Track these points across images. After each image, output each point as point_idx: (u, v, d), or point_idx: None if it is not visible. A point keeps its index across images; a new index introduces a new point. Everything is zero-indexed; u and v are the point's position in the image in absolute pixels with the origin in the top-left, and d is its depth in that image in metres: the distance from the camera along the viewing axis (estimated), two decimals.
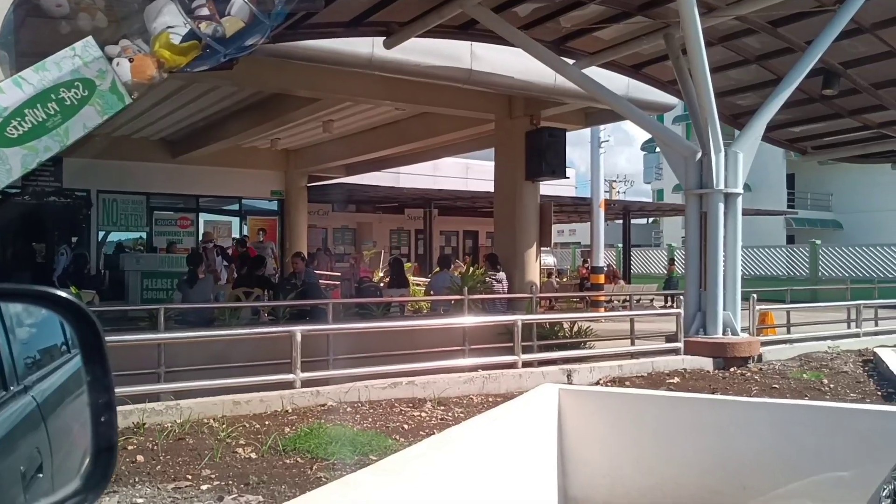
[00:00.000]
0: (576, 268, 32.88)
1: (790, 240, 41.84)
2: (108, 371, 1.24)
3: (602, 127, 21.82)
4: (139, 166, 17.89)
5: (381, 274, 15.25)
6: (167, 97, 13.69)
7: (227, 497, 3.08)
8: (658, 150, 52.18)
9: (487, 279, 12.48)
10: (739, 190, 7.76)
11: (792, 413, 4.69)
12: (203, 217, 20.09)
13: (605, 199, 22.84)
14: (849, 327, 11.06)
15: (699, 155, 7.61)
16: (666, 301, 24.83)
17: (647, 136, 51.77)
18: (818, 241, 32.94)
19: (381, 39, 9.55)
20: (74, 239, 17.75)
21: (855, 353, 7.80)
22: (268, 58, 9.84)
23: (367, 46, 9.75)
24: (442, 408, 5.12)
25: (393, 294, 11.98)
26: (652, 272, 34.18)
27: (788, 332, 12.01)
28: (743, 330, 7.86)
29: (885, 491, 2.68)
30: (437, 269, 12.46)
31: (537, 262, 13.08)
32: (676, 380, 6.36)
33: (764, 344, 7.81)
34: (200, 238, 16.30)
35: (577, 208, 25.26)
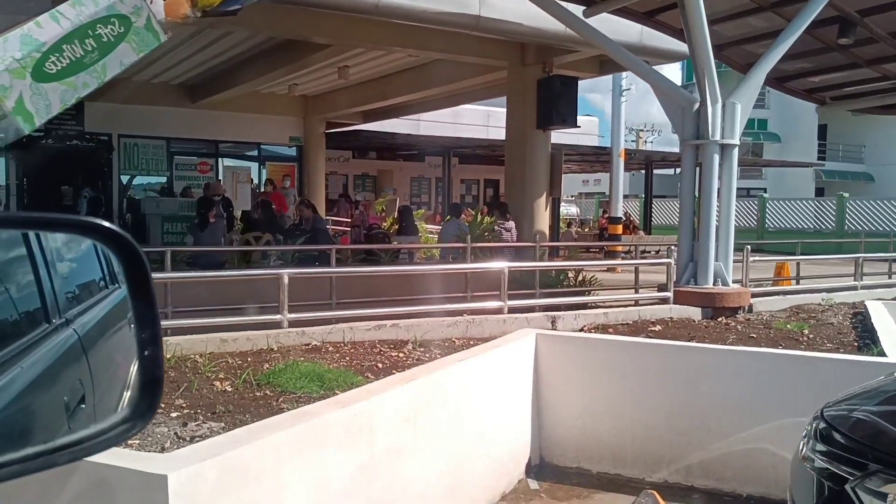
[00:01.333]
0: (597, 218, 32.76)
1: (819, 192, 41.20)
2: (153, 304, 1.23)
3: (624, 75, 21.54)
4: (159, 111, 18.08)
5: (391, 221, 15.39)
6: (184, 41, 13.77)
7: (191, 423, 3.28)
8: None
9: (497, 227, 12.59)
10: (736, 141, 7.73)
11: (755, 360, 4.82)
12: (223, 162, 20.31)
13: (626, 149, 22.62)
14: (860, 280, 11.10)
15: (697, 105, 7.59)
16: None
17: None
18: (845, 194, 32.38)
19: None
20: (99, 183, 18.11)
21: (849, 305, 7.83)
22: (280, 4, 9.92)
23: None
24: (422, 349, 5.30)
25: (402, 241, 12.14)
26: (675, 223, 33.94)
27: (798, 283, 12.03)
28: (736, 281, 7.91)
29: (805, 433, 2.80)
30: (448, 217, 12.57)
31: (547, 212, 13.13)
32: (658, 328, 6.47)
33: (757, 295, 7.87)
34: (203, 188, 16.51)
35: (599, 158, 25.07)
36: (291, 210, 14.76)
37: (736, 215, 31.89)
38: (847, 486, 2.46)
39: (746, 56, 12.34)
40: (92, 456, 1.11)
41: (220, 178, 19.45)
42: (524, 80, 12.88)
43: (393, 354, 5.03)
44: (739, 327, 6.59)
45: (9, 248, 1.16)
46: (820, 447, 2.64)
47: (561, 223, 26.73)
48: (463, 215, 13.16)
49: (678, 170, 42.62)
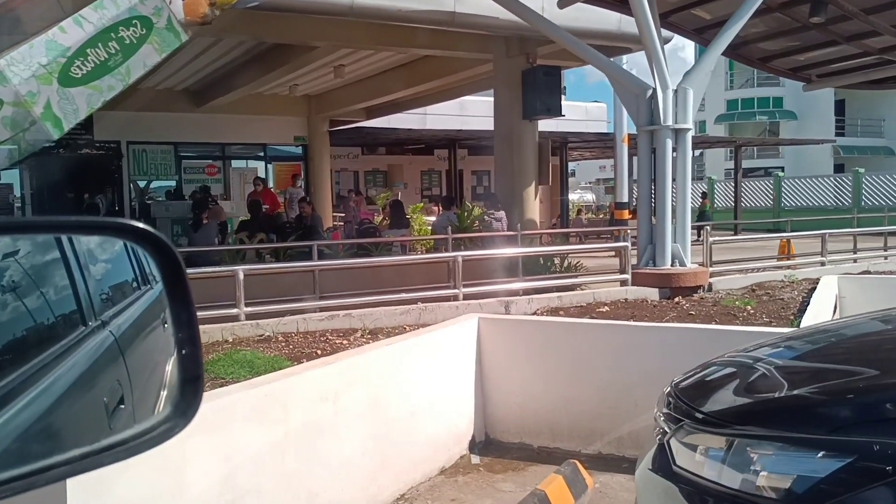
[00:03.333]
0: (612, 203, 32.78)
1: (839, 168, 40.74)
2: (189, 304, 1.23)
3: (625, 59, 21.59)
4: (166, 117, 18.56)
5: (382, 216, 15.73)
6: (180, 47, 14.19)
7: None
8: None
9: (487, 217, 12.87)
10: (689, 126, 7.92)
11: (678, 335, 5.09)
12: (231, 164, 20.80)
13: (629, 134, 22.67)
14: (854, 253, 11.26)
15: (650, 92, 7.78)
16: (699, 234, 24.88)
17: (688, 67, 50.45)
18: (861, 170, 32.04)
19: None
20: (110, 189, 18.67)
21: (812, 281, 7.99)
22: (259, 11, 10.25)
23: None
24: (369, 337, 5.61)
25: (393, 235, 12.46)
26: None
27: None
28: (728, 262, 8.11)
29: (658, 412, 3.03)
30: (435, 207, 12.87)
31: (537, 200, 13.35)
32: (606, 309, 6.71)
33: (718, 274, 8.05)
34: (198, 190, 16.98)
35: (607, 144, 25.11)
36: (295, 207, 15.15)
37: (752, 195, 31.75)
38: (664, 440, 2.74)
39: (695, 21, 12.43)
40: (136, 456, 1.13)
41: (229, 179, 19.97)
42: (509, 71, 13.10)
43: (338, 342, 5.35)
44: (687, 305, 6.81)
45: (44, 253, 1.17)
46: (659, 410, 2.92)
47: (571, 210, 26.96)
48: (454, 207, 13.42)
49: (699, 152, 42.00)
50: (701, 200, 29.91)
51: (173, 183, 19.55)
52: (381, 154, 27.36)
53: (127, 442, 1.12)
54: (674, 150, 7.77)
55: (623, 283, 7.73)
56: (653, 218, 7.89)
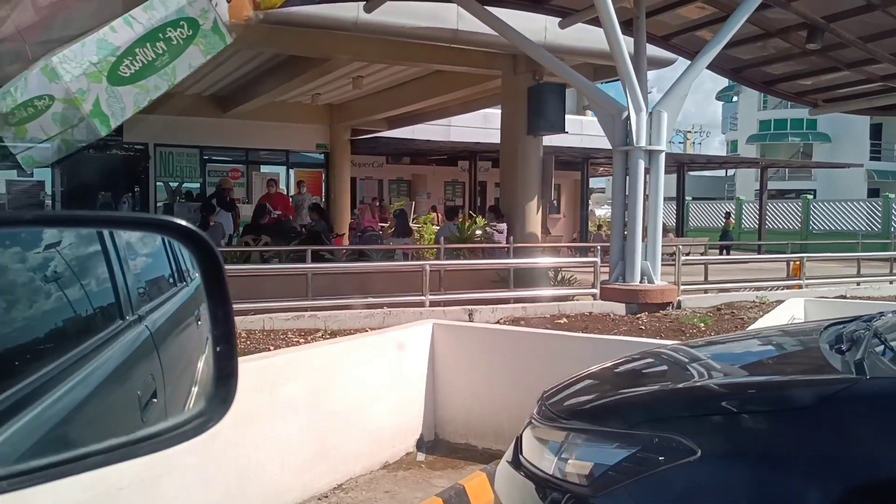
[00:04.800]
0: None
1: (873, 193, 40.20)
2: (227, 302, 1.24)
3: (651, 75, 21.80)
4: (193, 121, 19.15)
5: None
6: (224, 49, 14.77)
7: None
8: (735, 99, 50.72)
9: (488, 229, 13.19)
10: (663, 147, 8.15)
11: (606, 345, 5.36)
12: (253, 168, 21.38)
13: None
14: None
15: (625, 114, 8.03)
16: (720, 252, 24.82)
17: (723, 84, 49.97)
18: (892, 195, 31.65)
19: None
20: (136, 189, 19.35)
21: (779, 302, 8.14)
22: (271, 24, 10.71)
23: (353, 11, 10.46)
24: (329, 336, 5.96)
25: (396, 243, 12.84)
26: (712, 225, 33.73)
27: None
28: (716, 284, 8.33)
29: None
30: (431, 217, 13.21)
31: (538, 214, 13.62)
32: (565, 321, 6.97)
33: (692, 292, 8.26)
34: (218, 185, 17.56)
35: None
36: (304, 213, 15.60)
37: (780, 217, 31.51)
38: (519, 434, 3.05)
39: (732, 61, 12.67)
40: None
41: (252, 182, 20.54)
42: (516, 87, 13.41)
43: (296, 340, 5.71)
44: (645, 320, 7.04)
45: (86, 248, 1.19)
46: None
47: (591, 225, 27.10)
48: (458, 217, 13.76)
49: (730, 171, 41.71)
50: (725, 220, 29.86)
51: (197, 185, 20.17)
52: (406, 164, 27.79)
53: (161, 434, 1.15)
54: (646, 170, 8.01)
55: (594, 297, 7.98)
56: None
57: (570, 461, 2.55)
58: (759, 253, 23.02)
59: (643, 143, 7.92)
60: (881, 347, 2.44)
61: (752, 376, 2.78)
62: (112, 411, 1.20)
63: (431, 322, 5.92)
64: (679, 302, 8.00)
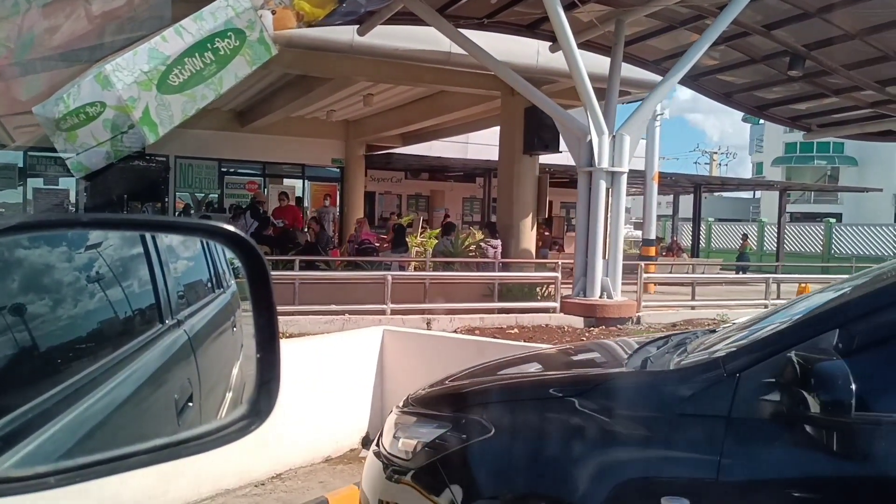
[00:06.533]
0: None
1: None
2: (272, 309, 1.24)
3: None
4: (212, 134, 19.85)
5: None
6: (269, 60, 15.40)
7: None
8: (761, 121, 50.43)
9: (483, 244, 13.58)
10: (624, 169, 8.48)
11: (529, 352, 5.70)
12: (273, 182, 22.04)
13: (659, 173, 23.05)
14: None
15: (589, 137, 8.39)
16: (736, 273, 24.88)
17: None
18: None
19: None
20: (162, 200, 20.09)
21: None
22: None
23: (348, 34, 10.97)
24: (286, 339, 6.40)
25: (393, 256, 13.28)
26: (734, 247, 33.63)
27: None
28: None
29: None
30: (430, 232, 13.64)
31: (533, 231, 13.96)
32: (515, 331, 7.33)
33: (655, 308, 8.55)
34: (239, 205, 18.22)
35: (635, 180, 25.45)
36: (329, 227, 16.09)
37: (801, 240, 31.35)
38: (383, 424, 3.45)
39: (724, 86, 12.94)
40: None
41: (266, 193, 21.16)
42: (513, 108, 13.83)
43: None
44: (596, 332, 7.37)
45: (130, 252, 1.19)
46: None
47: None
48: (454, 233, 14.16)
49: (757, 193, 41.42)
50: (741, 242, 29.82)
51: (215, 196, 20.87)
52: (424, 179, 28.28)
53: (205, 436, 1.16)
54: (608, 190, 8.35)
55: (555, 310, 8.32)
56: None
57: (401, 440, 2.95)
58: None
59: (605, 165, 8.26)
60: (673, 354, 2.82)
61: (554, 372, 3.17)
62: (150, 413, 1.22)
63: (382, 328, 6.32)
64: (639, 318, 8.30)
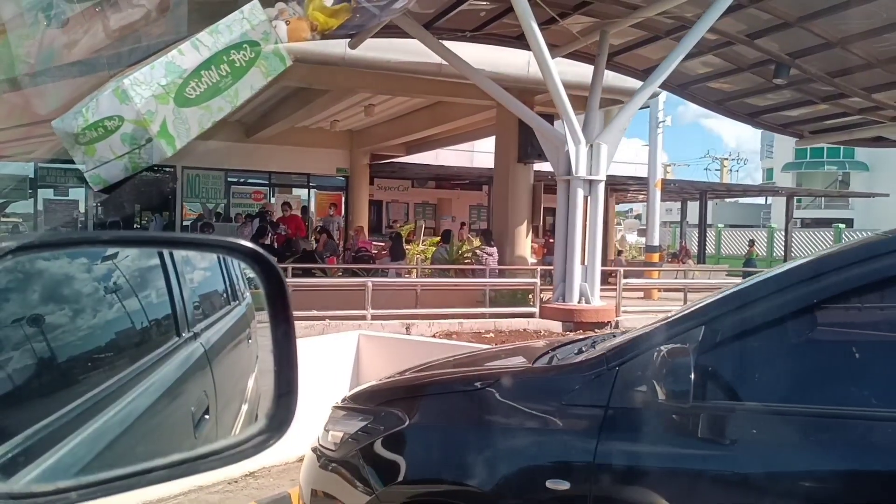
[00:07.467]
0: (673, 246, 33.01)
1: None
2: (289, 323, 1.23)
3: (660, 107, 22.18)
4: (219, 145, 20.17)
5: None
6: (284, 72, 15.72)
7: None
8: None
9: (479, 252, 13.80)
10: (601, 178, 8.67)
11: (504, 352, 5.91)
12: (280, 191, 22.39)
13: (662, 180, 23.20)
14: None
15: (567, 146, 8.59)
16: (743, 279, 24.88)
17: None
18: None
19: None
20: (167, 210, 20.48)
21: None
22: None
23: (340, 47, 11.23)
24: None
25: (388, 264, 13.54)
26: (740, 253, 33.63)
27: None
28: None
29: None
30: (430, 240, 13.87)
31: (527, 239, 14.16)
32: (491, 335, 7.53)
33: (635, 313, 8.72)
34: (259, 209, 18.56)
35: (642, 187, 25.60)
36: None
37: (810, 246, 31.31)
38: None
39: (714, 94, 13.12)
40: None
41: (272, 202, 21.52)
42: (507, 117, 13.99)
43: None
44: (570, 335, 7.54)
45: (147, 263, 1.20)
46: None
47: (611, 250, 27.42)
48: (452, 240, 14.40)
49: (768, 199, 41.45)
50: (748, 248, 29.84)
51: (222, 206, 21.25)
52: (431, 188, 28.54)
53: (222, 451, 1.14)
54: (586, 198, 8.54)
55: (534, 315, 8.53)
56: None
57: (331, 432, 3.19)
58: None
59: (582, 174, 8.46)
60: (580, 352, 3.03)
61: (467, 368, 3.40)
62: (167, 425, 1.22)
63: (358, 333, 6.56)
64: (618, 322, 8.48)
